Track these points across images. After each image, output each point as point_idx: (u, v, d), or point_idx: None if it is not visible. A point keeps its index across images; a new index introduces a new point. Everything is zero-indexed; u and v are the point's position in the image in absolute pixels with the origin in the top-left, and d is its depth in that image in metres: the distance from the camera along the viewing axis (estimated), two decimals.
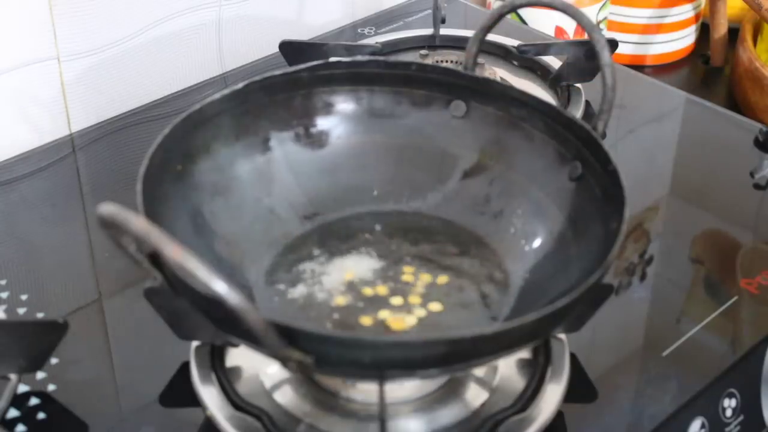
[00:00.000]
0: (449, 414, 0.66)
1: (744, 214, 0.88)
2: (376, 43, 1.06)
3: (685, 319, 0.76)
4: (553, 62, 1.02)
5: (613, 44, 0.93)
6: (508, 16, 0.87)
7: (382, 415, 0.63)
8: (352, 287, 0.70)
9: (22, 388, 0.69)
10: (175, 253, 0.50)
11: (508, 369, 0.69)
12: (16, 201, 0.88)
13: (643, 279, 0.80)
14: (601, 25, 1.14)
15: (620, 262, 0.81)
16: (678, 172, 0.94)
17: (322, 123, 0.78)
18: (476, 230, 0.75)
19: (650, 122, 1.00)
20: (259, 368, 0.69)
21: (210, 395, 0.66)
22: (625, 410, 0.69)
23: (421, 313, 0.68)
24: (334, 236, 0.75)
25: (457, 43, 1.05)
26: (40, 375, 0.70)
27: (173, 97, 1.01)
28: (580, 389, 0.69)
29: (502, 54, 1.05)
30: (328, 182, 0.77)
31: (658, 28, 1.13)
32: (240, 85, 0.73)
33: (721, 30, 1.10)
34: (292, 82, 0.76)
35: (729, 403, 0.72)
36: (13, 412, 0.67)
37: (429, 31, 1.08)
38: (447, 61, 1.01)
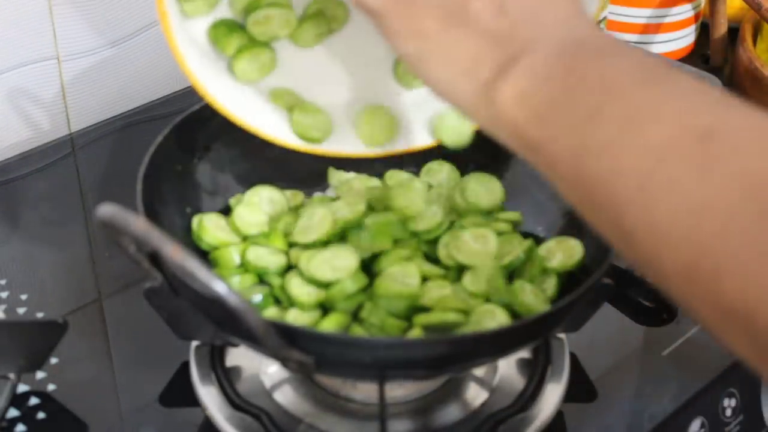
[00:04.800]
0: (449, 414, 0.66)
1: None
2: None
3: (685, 319, 0.76)
4: None
5: None
6: None
7: (382, 415, 0.63)
8: None
9: (22, 388, 0.69)
10: (175, 253, 0.50)
11: (508, 369, 0.69)
12: (16, 201, 0.88)
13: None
14: (601, 25, 1.14)
15: (620, 262, 0.81)
16: None
17: None
18: None
19: None
20: (259, 368, 0.69)
21: (210, 395, 0.66)
22: (625, 410, 0.69)
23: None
24: None
25: None
26: (40, 375, 0.70)
27: (173, 97, 1.01)
28: (580, 389, 0.69)
29: None
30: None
31: (658, 28, 1.13)
32: None
33: (720, 30, 1.10)
34: None
35: (729, 403, 0.72)
36: (13, 412, 0.67)
37: None
38: None
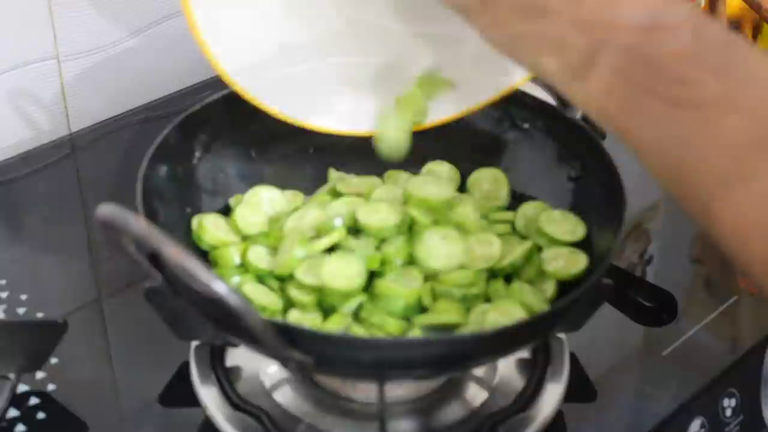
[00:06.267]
0: (449, 414, 0.66)
1: None
2: None
3: (685, 319, 0.76)
4: None
5: None
6: None
7: (382, 415, 0.63)
8: None
9: (22, 388, 0.69)
10: (175, 253, 0.50)
11: (508, 369, 0.69)
12: (16, 201, 0.88)
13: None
14: None
15: (620, 262, 0.81)
16: None
17: None
18: None
19: None
20: (259, 368, 0.69)
21: (210, 395, 0.66)
22: (625, 410, 0.69)
23: None
24: None
25: None
26: (39, 375, 0.70)
27: (173, 97, 1.01)
28: (580, 389, 0.69)
29: None
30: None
31: None
32: None
33: None
34: None
35: (729, 403, 0.72)
36: (13, 412, 0.67)
37: None
38: None
